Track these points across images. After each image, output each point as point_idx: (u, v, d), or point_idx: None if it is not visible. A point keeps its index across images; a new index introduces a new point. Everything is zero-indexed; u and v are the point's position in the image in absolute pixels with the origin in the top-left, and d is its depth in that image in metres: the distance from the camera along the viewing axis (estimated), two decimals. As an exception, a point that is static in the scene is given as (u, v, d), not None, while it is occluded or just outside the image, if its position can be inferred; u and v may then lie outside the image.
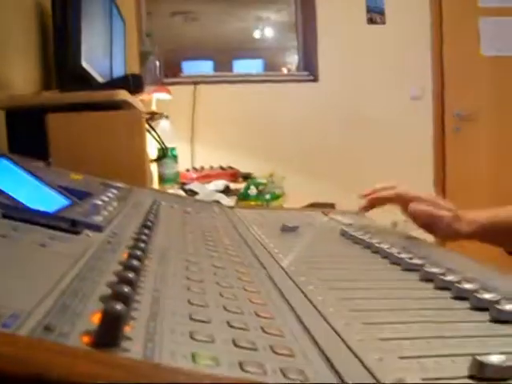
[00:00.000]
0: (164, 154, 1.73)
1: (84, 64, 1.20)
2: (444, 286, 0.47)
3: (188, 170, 2.31)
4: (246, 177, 2.22)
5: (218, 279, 0.42)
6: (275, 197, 1.41)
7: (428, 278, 0.50)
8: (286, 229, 0.74)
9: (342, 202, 1.26)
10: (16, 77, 1.51)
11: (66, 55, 1.17)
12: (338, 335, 0.33)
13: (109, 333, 0.24)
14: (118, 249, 0.44)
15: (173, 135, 1.99)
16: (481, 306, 0.41)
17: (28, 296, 0.27)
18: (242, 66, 3.69)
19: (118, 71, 2.06)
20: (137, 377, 0.21)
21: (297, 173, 2.99)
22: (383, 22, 3.33)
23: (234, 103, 3.22)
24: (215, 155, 3.00)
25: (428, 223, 0.76)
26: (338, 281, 0.48)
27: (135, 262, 0.35)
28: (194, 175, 2.18)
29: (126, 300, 0.27)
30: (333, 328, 0.35)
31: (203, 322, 0.31)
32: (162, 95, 2.58)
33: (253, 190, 1.40)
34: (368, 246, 0.64)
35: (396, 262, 0.56)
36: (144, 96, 2.28)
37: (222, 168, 2.29)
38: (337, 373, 0.28)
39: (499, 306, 0.39)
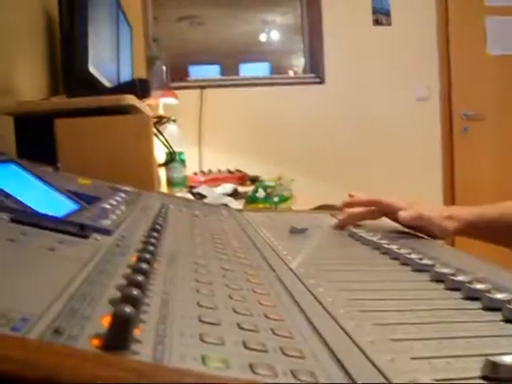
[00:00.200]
0: (172, 158, 1.73)
1: (91, 69, 1.20)
2: (455, 287, 0.47)
3: (196, 174, 2.31)
4: (254, 180, 2.22)
5: (227, 281, 0.42)
6: (283, 199, 1.41)
7: (439, 279, 0.49)
8: (294, 231, 0.74)
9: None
10: (24, 83, 1.52)
11: (73, 61, 1.18)
12: (349, 336, 0.33)
13: (118, 336, 0.24)
14: (126, 252, 0.44)
15: (180, 139, 1.99)
16: (493, 306, 0.41)
17: (37, 300, 0.27)
18: (248, 70, 3.69)
19: (125, 76, 2.07)
20: (146, 379, 0.20)
21: (305, 175, 2.98)
22: (389, 24, 3.32)
23: (241, 106, 3.23)
24: (223, 158, 3.01)
25: (419, 226, 0.78)
26: (347, 282, 0.48)
27: (144, 265, 0.35)
28: (202, 179, 2.18)
29: (135, 303, 0.27)
30: (343, 329, 0.34)
31: (213, 324, 0.31)
32: (169, 100, 2.58)
33: (261, 193, 1.40)
34: (377, 247, 0.64)
35: (406, 262, 0.56)
36: (151, 100, 2.29)
37: (229, 171, 2.30)
38: (348, 374, 0.27)
39: (511, 306, 0.39)
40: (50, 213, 0.50)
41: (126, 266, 0.39)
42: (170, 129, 1.99)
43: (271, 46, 3.79)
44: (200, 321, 0.31)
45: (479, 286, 0.45)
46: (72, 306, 0.28)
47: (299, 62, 3.69)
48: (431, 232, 0.78)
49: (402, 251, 0.59)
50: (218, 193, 1.69)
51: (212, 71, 3.63)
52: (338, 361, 0.29)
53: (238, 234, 0.71)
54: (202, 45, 3.64)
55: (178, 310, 0.32)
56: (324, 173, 3.21)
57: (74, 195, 0.67)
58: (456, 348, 0.33)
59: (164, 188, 1.88)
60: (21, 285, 0.29)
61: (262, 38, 3.78)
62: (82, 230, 0.45)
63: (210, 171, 2.34)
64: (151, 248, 0.43)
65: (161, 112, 2.45)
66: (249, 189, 1.58)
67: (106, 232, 0.48)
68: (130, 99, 1.12)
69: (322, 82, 3.35)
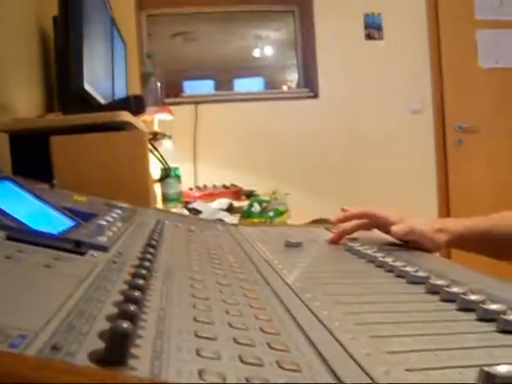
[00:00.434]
0: (167, 173, 1.74)
1: (86, 86, 1.21)
2: (450, 298, 0.47)
3: (191, 189, 2.31)
4: (249, 194, 2.22)
5: (224, 296, 0.42)
6: (279, 214, 1.42)
7: (434, 291, 0.50)
8: (289, 245, 0.74)
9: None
10: (19, 100, 1.53)
11: (68, 78, 1.18)
12: (345, 349, 0.33)
13: (116, 351, 0.24)
14: (123, 268, 0.44)
15: (175, 155, 2.00)
16: (487, 317, 0.41)
17: (35, 316, 0.27)
18: (242, 85, 3.72)
19: (120, 92, 2.08)
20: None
21: (300, 189, 2.99)
22: (381, 38, 3.35)
23: (236, 122, 3.24)
24: (218, 173, 3.01)
25: (411, 240, 0.79)
26: (343, 295, 0.48)
27: (141, 281, 0.36)
28: (197, 194, 2.19)
29: (132, 318, 0.27)
30: (339, 342, 0.35)
31: (209, 339, 0.31)
32: (164, 115, 2.59)
33: (256, 208, 1.41)
34: (372, 260, 0.64)
35: (401, 275, 0.56)
36: (146, 116, 2.30)
37: (224, 186, 2.30)
38: (344, 387, 0.28)
39: (506, 317, 0.39)
40: (46, 230, 0.51)
41: (122, 282, 0.39)
42: (165, 144, 2.00)
43: (265, 61, 3.82)
44: (196, 336, 0.31)
45: (474, 297, 0.45)
46: (69, 322, 0.28)
47: (293, 77, 3.72)
48: (423, 245, 0.79)
49: (397, 264, 0.59)
50: (213, 208, 1.69)
51: (206, 86, 3.64)
52: (334, 373, 0.29)
53: (233, 248, 0.71)
54: (196, 60, 3.66)
55: (175, 325, 0.32)
56: (319, 187, 3.22)
57: (69, 212, 0.68)
58: (451, 359, 0.33)
59: (159, 204, 1.88)
60: (18, 302, 0.29)
61: (256, 53, 3.80)
62: (78, 247, 0.45)
63: (205, 186, 2.35)
64: (147, 264, 0.43)
65: (156, 128, 2.45)
66: (244, 203, 1.59)
67: (102, 248, 0.48)
68: (125, 116, 1.13)
69: (315, 96, 3.37)
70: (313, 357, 0.32)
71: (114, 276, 0.41)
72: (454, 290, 0.47)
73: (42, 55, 1.82)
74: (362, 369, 0.30)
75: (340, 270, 0.64)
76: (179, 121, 2.88)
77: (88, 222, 0.64)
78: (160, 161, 1.58)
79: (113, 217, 0.65)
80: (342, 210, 0.90)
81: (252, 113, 3.26)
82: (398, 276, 0.56)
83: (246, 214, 1.40)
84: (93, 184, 1.05)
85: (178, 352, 0.28)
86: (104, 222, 0.57)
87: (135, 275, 0.39)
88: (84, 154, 1.11)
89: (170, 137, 2.05)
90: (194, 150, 3.17)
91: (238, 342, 0.31)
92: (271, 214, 1.40)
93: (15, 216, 0.52)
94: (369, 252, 0.67)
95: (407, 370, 0.31)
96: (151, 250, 0.51)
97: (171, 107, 2.79)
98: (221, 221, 1.25)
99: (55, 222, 0.62)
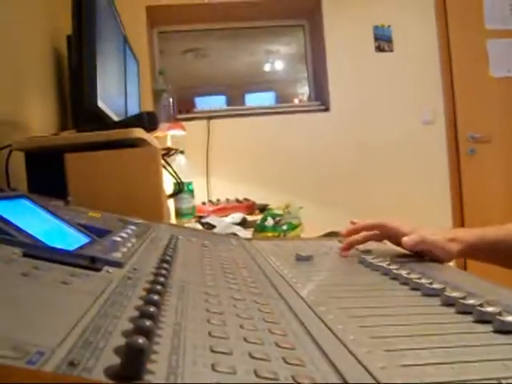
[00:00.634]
0: (180, 188, 1.75)
1: (100, 103, 1.23)
2: (466, 310, 0.46)
3: (204, 204, 2.32)
4: (263, 208, 2.22)
5: (238, 311, 0.42)
6: (292, 227, 1.41)
7: (449, 303, 0.49)
8: (300, 258, 0.74)
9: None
10: (34, 119, 1.55)
11: (82, 95, 1.20)
12: (360, 363, 0.33)
13: (132, 367, 0.24)
14: (138, 284, 0.44)
15: (188, 170, 2.01)
16: (504, 329, 0.41)
17: (52, 333, 0.27)
18: (253, 99, 3.74)
19: (133, 109, 2.10)
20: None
21: (313, 202, 2.99)
22: (391, 50, 3.36)
23: (248, 136, 3.25)
24: (231, 188, 3.02)
25: (423, 250, 0.79)
26: (357, 308, 0.48)
27: (156, 297, 0.36)
28: (211, 208, 2.19)
29: (148, 334, 0.27)
30: (354, 356, 0.35)
31: (224, 353, 0.31)
32: (177, 131, 2.61)
33: (270, 222, 1.40)
34: (386, 273, 0.64)
35: (416, 287, 0.56)
36: (159, 133, 2.32)
37: (237, 200, 2.30)
38: (360, 401, 0.27)
39: (523, 329, 0.39)
40: (62, 246, 0.51)
41: (137, 297, 0.39)
42: (178, 160, 2.01)
43: (276, 76, 3.83)
44: (212, 351, 0.31)
45: (490, 309, 0.44)
46: (86, 338, 0.28)
47: (304, 90, 3.73)
48: (435, 255, 0.78)
49: (412, 276, 0.59)
50: (226, 222, 1.69)
51: (218, 102, 3.67)
52: (350, 387, 0.29)
53: (247, 262, 0.72)
54: (208, 76, 3.69)
55: (190, 340, 0.32)
56: (332, 199, 3.21)
57: (84, 228, 0.68)
58: (468, 372, 0.33)
59: (173, 219, 1.89)
60: (35, 318, 0.30)
61: (267, 67, 3.82)
62: (93, 263, 0.46)
63: (218, 201, 2.35)
64: (162, 279, 0.43)
65: (169, 144, 2.47)
66: (257, 217, 1.59)
67: (117, 264, 0.48)
68: (138, 132, 1.14)
69: (327, 109, 3.38)
70: (328, 370, 0.31)
71: (129, 292, 0.41)
72: (470, 301, 0.47)
73: (56, 74, 1.85)
74: (378, 382, 0.30)
75: (354, 282, 0.64)
76: (192, 136, 2.90)
77: (103, 238, 0.64)
78: (173, 176, 1.59)
79: (127, 233, 0.66)
80: (352, 222, 0.90)
81: (264, 127, 3.27)
82: (413, 288, 0.56)
83: (260, 228, 1.40)
84: (107, 200, 1.06)
85: (194, 366, 0.28)
86: (119, 238, 0.57)
87: (150, 291, 0.39)
88: (98, 171, 1.12)
89: (182, 152, 2.06)
90: (207, 165, 3.18)
91: (253, 357, 0.31)
92: (285, 227, 1.40)
93: (31, 233, 0.53)
94: (383, 264, 0.67)
95: (423, 383, 0.31)
96: (165, 265, 0.51)
97: (183, 123, 2.82)
98: (234, 235, 1.25)
99: (70, 239, 0.63)
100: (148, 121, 1.23)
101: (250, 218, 1.84)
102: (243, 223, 1.72)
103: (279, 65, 3.83)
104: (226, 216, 1.85)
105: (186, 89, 3.59)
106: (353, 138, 3.30)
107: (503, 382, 0.28)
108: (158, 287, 0.40)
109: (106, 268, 0.46)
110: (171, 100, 3.06)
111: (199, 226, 1.60)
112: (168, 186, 1.70)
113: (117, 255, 0.52)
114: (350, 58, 3.34)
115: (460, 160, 3.38)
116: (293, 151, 3.25)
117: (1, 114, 1.29)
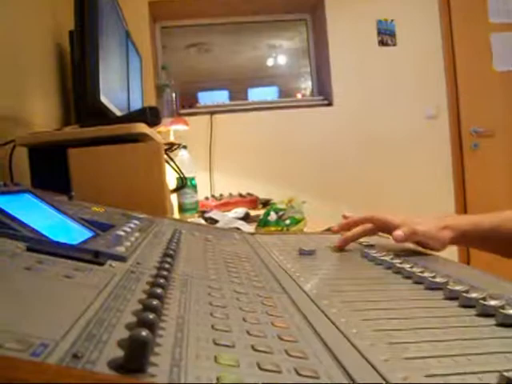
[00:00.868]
0: (183, 183, 1.75)
1: (102, 99, 1.23)
2: (469, 304, 0.46)
3: (207, 198, 2.32)
4: (266, 203, 2.22)
5: (241, 304, 0.42)
6: (295, 222, 1.41)
7: (452, 296, 0.49)
8: (302, 252, 0.74)
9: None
10: (37, 114, 1.55)
11: (84, 91, 1.20)
12: (363, 356, 0.33)
13: (135, 359, 0.25)
14: (141, 278, 0.44)
15: (191, 165, 2.01)
16: (507, 322, 0.41)
17: (56, 326, 0.28)
18: (256, 94, 3.73)
19: (136, 104, 2.10)
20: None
21: (316, 196, 2.99)
22: (394, 44, 3.35)
23: (251, 131, 3.25)
24: (234, 182, 3.02)
25: (415, 242, 0.80)
26: (360, 302, 0.48)
27: (159, 290, 0.36)
28: (214, 203, 2.19)
29: (151, 327, 0.28)
30: (357, 349, 0.35)
31: (227, 346, 0.31)
32: (180, 126, 2.61)
33: (273, 216, 1.40)
34: (389, 267, 0.64)
35: (419, 281, 0.56)
36: (162, 128, 2.32)
37: (240, 195, 2.30)
38: (362, 393, 0.27)
39: (525, 322, 0.39)
40: (65, 241, 0.51)
41: (141, 291, 0.39)
42: (181, 155, 2.01)
43: (279, 70, 3.82)
44: (215, 343, 0.31)
45: (493, 303, 0.45)
46: (90, 331, 0.28)
47: (307, 85, 3.73)
48: (428, 245, 0.78)
49: (415, 270, 0.59)
50: (229, 217, 1.70)
51: (221, 97, 3.66)
52: (353, 380, 0.29)
53: (250, 257, 0.72)
54: (210, 71, 3.69)
55: (193, 333, 0.33)
56: (335, 194, 3.21)
57: (88, 223, 0.68)
58: (471, 364, 0.33)
59: (176, 213, 1.89)
60: (39, 312, 0.30)
61: (270, 62, 3.81)
62: (96, 257, 0.46)
63: (221, 195, 2.35)
64: (165, 273, 0.43)
65: (172, 138, 2.47)
66: (260, 212, 1.59)
67: (120, 258, 0.49)
68: (141, 127, 1.14)
69: (330, 103, 3.37)
70: (331, 363, 0.32)
71: (133, 285, 0.41)
72: (473, 295, 0.47)
73: (59, 69, 1.85)
74: (381, 375, 0.30)
75: (357, 276, 0.64)
76: (195, 131, 2.90)
77: (106, 232, 0.64)
78: (176, 171, 1.59)
79: (130, 227, 0.66)
80: (344, 216, 0.90)
81: (266, 121, 3.27)
82: (416, 282, 0.56)
83: (263, 223, 1.40)
84: (110, 195, 1.06)
85: (197, 359, 0.28)
86: (122, 233, 0.57)
87: (153, 284, 0.39)
88: (101, 166, 1.12)
89: (185, 147, 2.06)
90: (210, 160, 3.18)
91: (256, 350, 0.31)
92: (288, 222, 1.39)
93: (34, 227, 0.53)
94: (386, 258, 0.67)
95: (426, 375, 0.31)
96: (169, 259, 0.51)
97: (186, 118, 2.82)
98: (237, 229, 1.25)
99: (74, 233, 0.63)
100: (151, 116, 1.23)
101: (253, 212, 1.84)
102: (246, 218, 1.72)
103: (282, 59, 3.82)
104: (229, 211, 1.85)
105: (188, 84, 3.59)
106: (356, 132, 3.30)
107: (505, 374, 0.28)
108: (161, 281, 0.40)
109: (109, 262, 0.46)
110: (174, 95, 3.06)
111: (202, 221, 1.60)
112: (171, 180, 1.70)
113: (120, 249, 0.53)
114: (353, 53, 3.33)
115: (463, 154, 3.38)
116: (296, 146, 3.25)
117: (4, 110, 1.29)
